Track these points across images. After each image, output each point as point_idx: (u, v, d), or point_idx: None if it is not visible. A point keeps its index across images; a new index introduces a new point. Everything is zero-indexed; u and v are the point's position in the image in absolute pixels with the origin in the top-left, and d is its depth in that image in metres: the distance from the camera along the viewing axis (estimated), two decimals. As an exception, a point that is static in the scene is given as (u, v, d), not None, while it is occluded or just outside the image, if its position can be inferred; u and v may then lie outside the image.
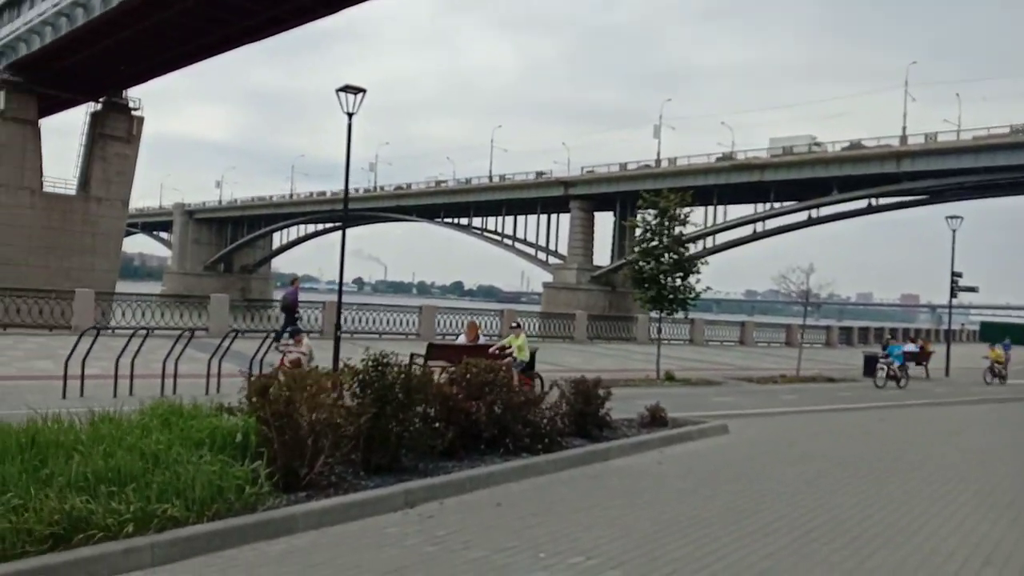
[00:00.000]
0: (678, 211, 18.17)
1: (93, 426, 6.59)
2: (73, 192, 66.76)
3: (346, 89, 13.62)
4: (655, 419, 11.22)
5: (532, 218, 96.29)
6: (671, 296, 18.13)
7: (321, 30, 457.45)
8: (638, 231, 18.70)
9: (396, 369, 7.31)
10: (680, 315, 20.55)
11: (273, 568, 4.91)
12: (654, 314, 19.32)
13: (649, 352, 27.71)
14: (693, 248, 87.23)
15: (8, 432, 5.83)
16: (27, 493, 4.81)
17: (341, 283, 15.00)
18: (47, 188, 64.85)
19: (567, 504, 6.91)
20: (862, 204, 75.21)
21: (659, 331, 20.79)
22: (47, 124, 72.03)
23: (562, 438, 8.96)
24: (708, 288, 19.02)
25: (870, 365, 23.91)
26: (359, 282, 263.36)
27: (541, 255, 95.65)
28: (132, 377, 11.43)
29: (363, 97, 13.70)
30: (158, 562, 4.80)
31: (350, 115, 13.73)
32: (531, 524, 6.17)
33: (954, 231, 28.09)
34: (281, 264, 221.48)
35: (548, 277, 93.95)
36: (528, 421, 8.50)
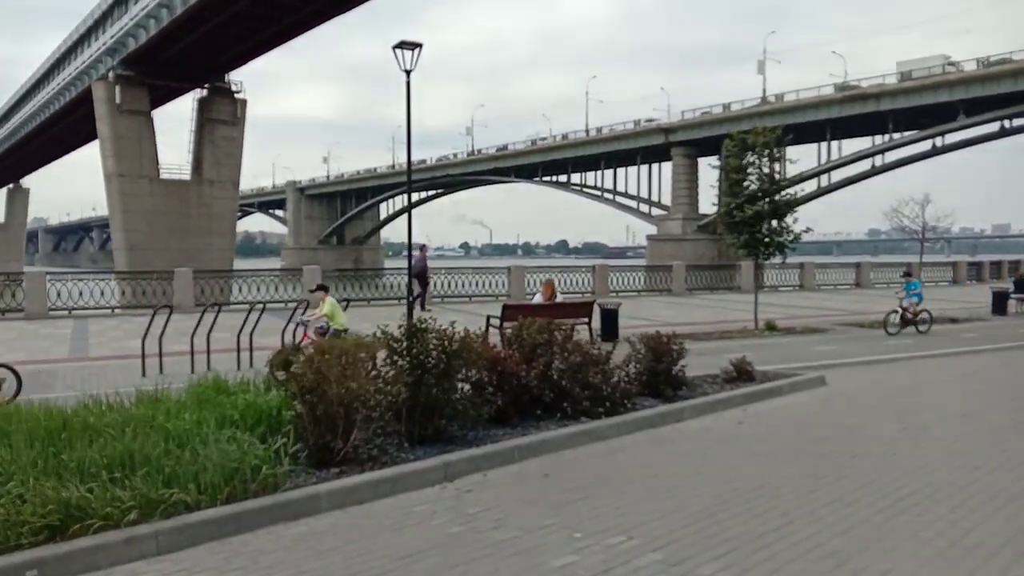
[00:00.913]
0: (767, 148, 16.77)
1: (135, 407, 6.52)
2: (187, 177, 70.21)
3: (402, 46, 13.15)
4: (741, 373, 10.36)
5: (633, 170, 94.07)
6: (767, 240, 16.86)
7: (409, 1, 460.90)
8: (727, 173, 17.45)
9: (434, 334, 6.87)
10: (778, 259, 19.17)
11: (280, 555, 4.59)
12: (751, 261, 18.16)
13: (752, 301, 26.36)
14: (800, 189, 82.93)
15: (36, 416, 5.78)
16: (30, 482, 4.67)
17: (411, 247, 14.70)
18: (163, 175, 68.42)
19: (623, 473, 6.31)
20: (994, 127, 68.89)
21: (757, 277, 19.49)
22: (160, 113, 76.07)
23: (628, 399, 8.31)
24: (808, 229, 17.57)
25: (999, 302, 21.72)
26: (465, 246, 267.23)
27: (644, 207, 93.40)
28: (208, 352, 11.57)
29: (420, 52, 13.21)
30: (164, 550, 4.58)
31: (408, 72, 13.28)
32: (576, 498, 5.63)
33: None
34: (391, 234, 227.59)
35: (653, 230, 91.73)
36: (588, 383, 7.90)
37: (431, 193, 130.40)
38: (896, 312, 17.53)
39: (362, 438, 6.36)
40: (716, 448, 7.22)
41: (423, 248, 24.50)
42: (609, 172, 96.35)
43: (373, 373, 6.64)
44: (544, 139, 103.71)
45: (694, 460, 6.76)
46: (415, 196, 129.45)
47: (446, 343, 6.83)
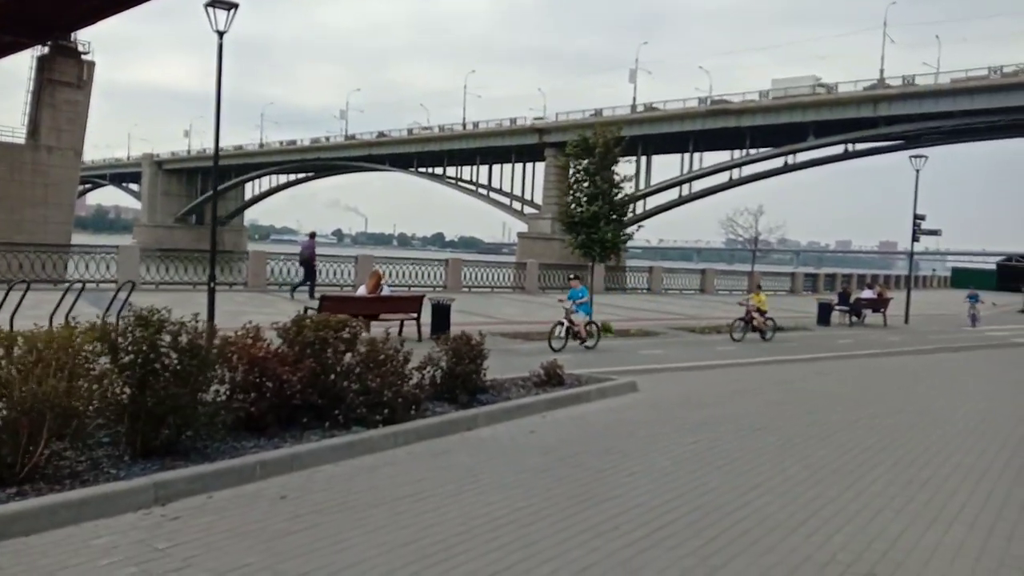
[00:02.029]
0: (607, 150, 16.61)
1: None
2: (22, 141, 63.94)
3: (215, 4, 11.86)
4: (550, 377, 9.91)
5: (508, 167, 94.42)
6: (602, 241, 16.70)
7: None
8: (569, 172, 17.16)
9: (170, 327, 5.87)
10: (612, 261, 19.16)
11: None
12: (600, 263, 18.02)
13: (599, 302, 26.48)
14: (658, 198, 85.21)
15: None
16: None
17: (214, 233, 13.40)
18: (-8, 137, 62.06)
19: (376, 494, 5.57)
20: (838, 150, 73.86)
21: (591, 279, 19.41)
22: (-8, 69, 69.02)
23: (417, 405, 7.59)
24: (640, 226, 17.73)
25: (824, 313, 22.80)
26: (338, 234, 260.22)
27: (517, 205, 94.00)
28: None
29: (235, 13, 11.97)
30: None
31: (220, 33, 12.01)
32: (302, 527, 4.83)
33: (917, 171, 26.75)
34: (259, 216, 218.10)
35: (527, 228, 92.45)
36: (366, 387, 7.11)
37: (302, 176, 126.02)
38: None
39: (60, 450, 5.30)
40: (496, 461, 6.62)
41: (312, 235, 23.81)
42: (485, 168, 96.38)
43: (92, 371, 5.57)
44: (424, 129, 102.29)
45: (464, 476, 6.12)
46: (285, 178, 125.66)
47: (184, 338, 5.84)
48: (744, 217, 20.46)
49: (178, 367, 5.75)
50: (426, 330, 14.77)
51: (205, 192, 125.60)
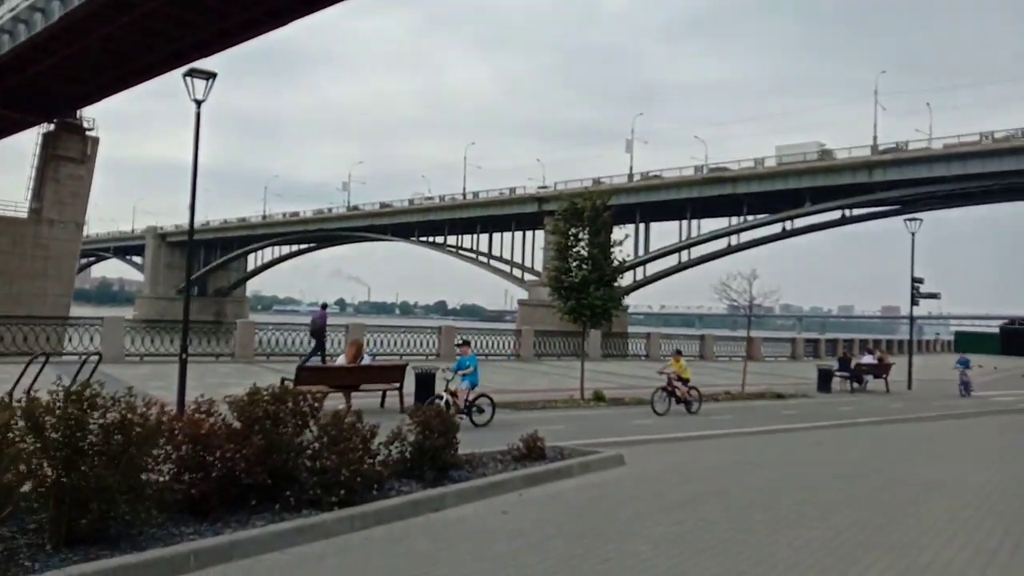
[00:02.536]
0: (597, 215, 16.42)
1: None
2: (24, 215, 64.52)
3: (192, 74, 11.82)
4: (530, 451, 9.39)
5: (509, 235, 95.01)
6: (595, 306, 16.31)
7: (295, 52, 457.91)
8: (557, 238, 16.91)
9: (103, 402, 5.44)
10: (603, 327, 18.75)
11: None
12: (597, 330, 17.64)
13: (595, 369, 25.96)
14: (657, 265, 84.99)
15: None
16: None
17: (187, 303, 13.07)
18: (-5, 211, 62.67)
19: (318, 587, 5.05)
20: (836, 215, 74.26)
21: (583, 346, 18.98)
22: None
23: (379, 485, 7.09)
24: (629, 291, 17.21)
25: (824, 380, 22.25)
26: (341, 303, 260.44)
27: (517, 272, 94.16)
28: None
29: (212, 82, 11.91)
30: None
31: (198, 103, 11.92)
32: (225, 627, 4.31)
33: (913, 234, 26.57)
34: (263, 287, 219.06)
35: (527, 295, 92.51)
36: (322, 466, 6.63)
37: (304, 247, 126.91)
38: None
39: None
40: (459, 547, 6.08)
41: (324, 306, 24.12)
42: (485, 236, 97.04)
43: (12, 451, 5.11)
44: (425, 199, 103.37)
45: (420, 565, 5.59)
46: (288, 248, 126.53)
47: (113, 415, 5.40)
48: (738, 281, 19.99)
49: (103, 447, 5.29)
50: (410, 400, 14.29)
51: (208, 264, 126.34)
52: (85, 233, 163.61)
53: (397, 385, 13.81)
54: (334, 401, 13.86)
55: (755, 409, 17.30)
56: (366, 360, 14.13)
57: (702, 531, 6.77)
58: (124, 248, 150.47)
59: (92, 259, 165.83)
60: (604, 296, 16.41)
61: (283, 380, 12.88)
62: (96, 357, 10.67)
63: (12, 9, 51.06)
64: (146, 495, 5.51)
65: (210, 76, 11.82)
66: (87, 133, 67.13)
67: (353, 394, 13.81)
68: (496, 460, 9.26)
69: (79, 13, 45.84)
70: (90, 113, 67.23)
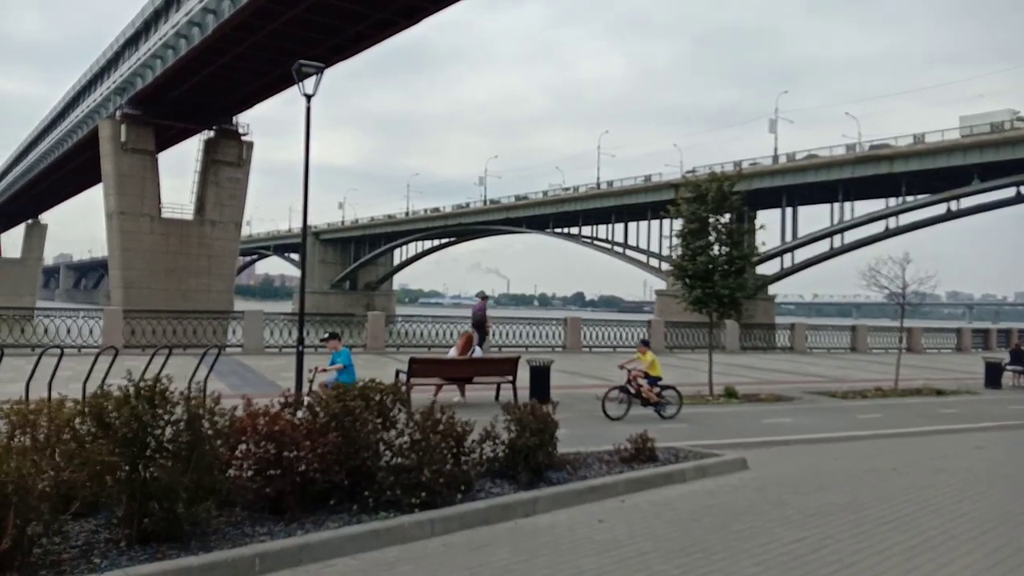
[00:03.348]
0: (723, 199, 15.27)
1: None
2: (189, 217, 69.94)
3: (302, 68, 11.92)
4: (639, 452, 8.71)
5: (645, 224, 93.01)
6: (724, 295, 15.19)
7: (429, 53, 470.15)
8: (680, 223, 15.89)
9: (172, 400, 5.34)
10: (734, 317, 17.52)
11: None
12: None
13: (731, 363, 24.58)
14: (806, 251, 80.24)
15: None
16: None
17: (303, 291, 13.27)
18: (165, 214, 68.22)
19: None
20: (1009, 193, 67.13)
21: (711, 336, 17.83)
22: (169, 154, 76.45)
23: (466, 486, 6.69)
24: (769, 282, 15.80)
25: (993, 374, 19.82)
26: (481, 295, 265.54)
27: (654, 262, 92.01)
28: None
29: (320, 77, 11.97)
30: None
31: (308, 96, 12.03)
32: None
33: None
34: (410, 280, 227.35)
35: (664, 285, 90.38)
36: (403, 465, 6.30)
37: (445, 241, 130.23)
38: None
39: (35, 535, 4.80)
40: (540, 560, 5.56)
41: (483, 296, 23.76)
42: (620, 226, 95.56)
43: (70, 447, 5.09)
44: (564, 190, 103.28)
45: (492, 580, 5.12)
46: (430, 243, 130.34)
47: (179, 412, 5.29)
48: (888, 267, 18.11)
49: (168, 445, 5.19)
50: (524, 393, 13.90)
51: (358, 259, 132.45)
52: (247, 233, 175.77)
53: (510, 378, 13.45)
54: (449, 393, 13.72)
55: (908, 407, 15.58)
56: (477, 353, 13.85)
57: (824, 552, 5.89)
58: (282, 247, 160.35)
59: (255, 256, 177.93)
60: (733, 285, 15.27)
61: (397, 372, 12.87)
62: (216, 349, 10.95)
63: (174, 25, 55.28)
64: (215, 493, 5.37)
65: (319, 70, 11.90)
66: (242, 138, 71.78)
67: (468, 387, 13.61)
68: (603, 461, 8.66)
69: (231, 24, 48.97)
70: (244, 119, 71.92)
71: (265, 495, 5.82)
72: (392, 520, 5.97)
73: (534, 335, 25.62)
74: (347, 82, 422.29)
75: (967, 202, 70.02)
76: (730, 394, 15.88)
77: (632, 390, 12.99)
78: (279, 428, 5.92)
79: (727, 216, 15.53)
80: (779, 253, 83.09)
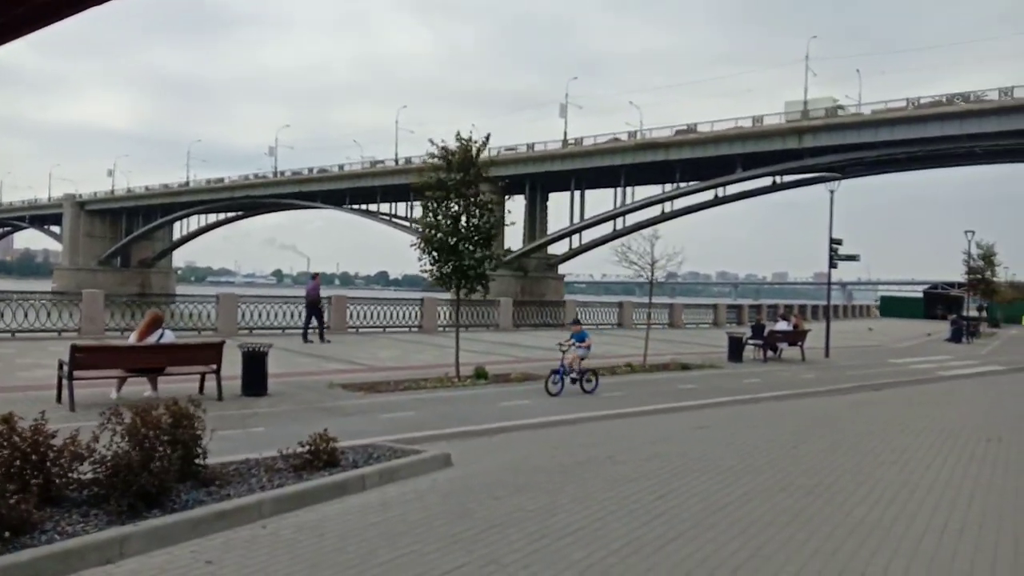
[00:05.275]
0: (469, 156, 14.12)
1: None
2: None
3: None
4: (316, 456, 7.21)
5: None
6: (466, 267, 14.11)
7: (228, 14, 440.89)
8: (429, 194, 14.53)
9: None
10: (479, 294, 16.65)
11: None
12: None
13: (498, 340, 23.97)
14: (592, 233, 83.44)
15: None
16: None
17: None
18: None
19: None
20: (767, 182, 73.67)
21: (457, 315, 16.87)
22: None
23: (19, 528, 4.81)
24: (507, 251, 14.85)
25: (735, 348, 20.63)
26: (278, 274, 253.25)
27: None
28: None
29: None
30: None
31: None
32: None
33: (832, 192, 25.14)
34: (195, 257, 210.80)
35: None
36: None
37: (232, 215, 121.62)
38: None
39: None
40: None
41: (315, 276, 23.39)
42: (418, 203, 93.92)
43: None
44: (356, 165, 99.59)
45: None
46: (215, 217, 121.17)
47: None
48: (638, 243, 18.07)
49: None
50: (234, 384, 11.99)
51: (131, 233, 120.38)
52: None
53: (213, 367, 11.44)
54: (137, 387, 11.51)
55: (652, 383, 15.47)
56: (168, 338, 11.66)
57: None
58: (41, 217, 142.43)
59: (8, 229, 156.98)
60: (479, 257, 14.22)
61: (61, 363, 10.48)
62: None
63: None
64: None
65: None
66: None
67: (159, 379, 11.44)
68: (273, 470, 7.08)
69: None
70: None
71: None
72: None
73: (291, 315, 23.59)
74: (129, 37, 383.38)
75: (732, 189, 75.96)
76: (479, 375, 14.92)
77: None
78: None
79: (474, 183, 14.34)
80: (568, 234, 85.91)
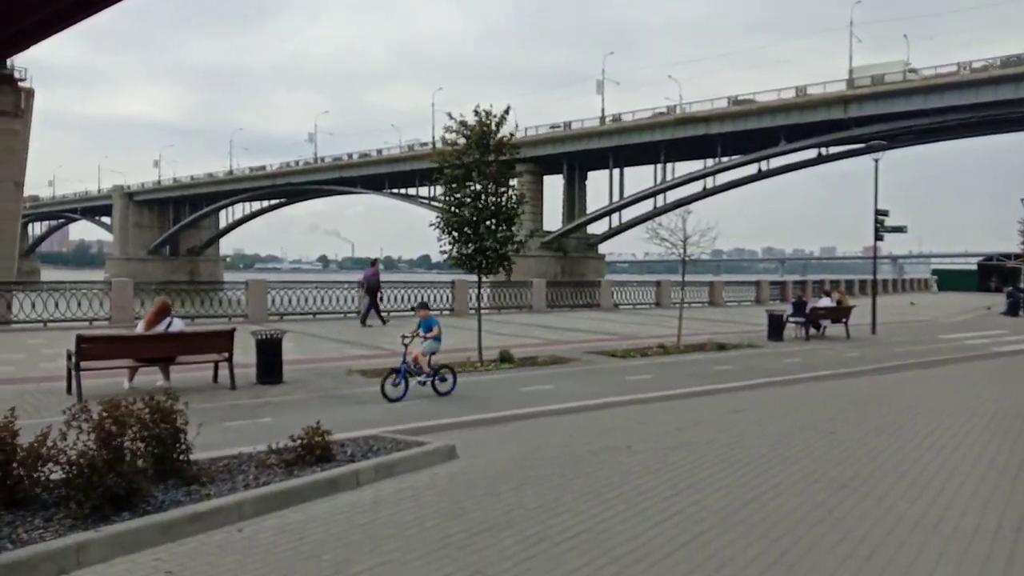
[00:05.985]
0: (485, 129, 13.50)
1: None
2: (-46, 174, 60.83)
3: None
4: (309, 450, 6.78)
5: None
6: (487, 248, 13.55)
7: (263, 2, 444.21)
8: (450, 171, 13.95)
9: None
10: (501, 276, 16.07)
11: None
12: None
13: (530, 323, 23.42)
14: (632, 211, 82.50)
15: None
16: None
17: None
18: (-79, 170, 58.98)
19: None
20: (812, 154, 71.51)
21: (479, 297, 16.35)
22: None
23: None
24: (518, 241, 14.08)
25: (775, 327, 19.74)
26: (323, 259, 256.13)
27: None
28: None
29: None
30: None
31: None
32: None
33: (876, 161, 23.87)
34: (243, 245, 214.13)
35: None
36: None
37: (275, 202, 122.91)
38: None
39: None
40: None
41: (375, 262, 23.85)
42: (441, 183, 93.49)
43: None
44: (394, 149, 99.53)
45: None
46: (259, 205, 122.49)
47: None
48: (671, 220, 17.33)
49: None
50: (249, 372, 11.70)
51: (178, 222, 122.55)
52: (51, 194, 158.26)
53: (225, 355, 11.14)
54: (150, 376, 11.28)
55: (685, 364, 14.79)
56: (176, 326, 11.38)
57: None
58: (91, 209, 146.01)
59: (62, 221, 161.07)
60: (501, 237, 13.65)
61: (69, 354, 10.26)
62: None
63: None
64: None
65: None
66: (20, 84, 63.01)
67: (171, 368, 11.18)
68: (264, 465, 6.68)
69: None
70: (22, 64, 63.17)
71: None
72: None
73: (328, 300, 24.03)
74: (167, 30, 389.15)
75: (776, 162, 73.94)
76: (504, 359, 14.41)
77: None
78: None
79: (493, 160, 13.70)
80: (607, 212, 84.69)
